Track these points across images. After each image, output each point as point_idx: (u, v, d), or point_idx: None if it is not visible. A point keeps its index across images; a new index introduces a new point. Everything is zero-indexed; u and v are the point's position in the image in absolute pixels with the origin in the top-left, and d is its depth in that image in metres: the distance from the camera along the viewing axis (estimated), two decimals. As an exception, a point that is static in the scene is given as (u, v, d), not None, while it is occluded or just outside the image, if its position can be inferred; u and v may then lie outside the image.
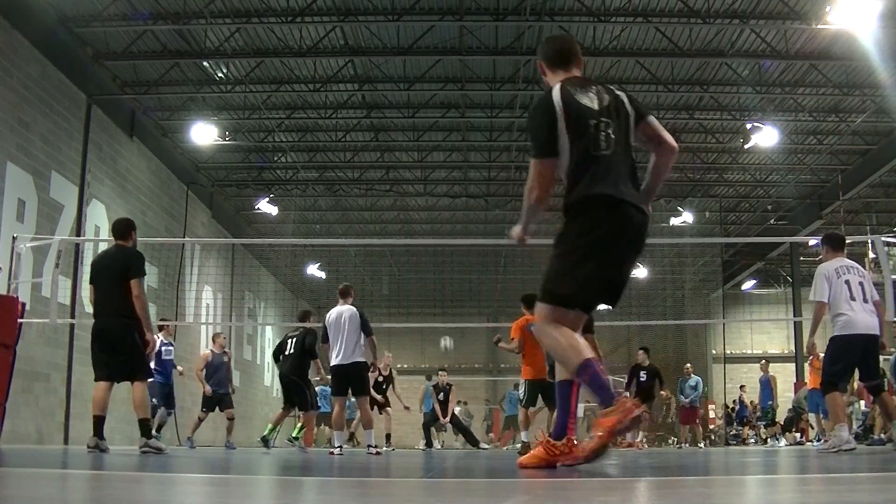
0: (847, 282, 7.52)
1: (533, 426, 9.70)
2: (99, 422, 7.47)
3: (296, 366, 11.80)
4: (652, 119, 4.25)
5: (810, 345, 7.99)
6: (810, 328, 7.79)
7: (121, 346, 7.46)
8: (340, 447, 9.71)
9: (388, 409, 15.77)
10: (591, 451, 3.94)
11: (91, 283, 7.75)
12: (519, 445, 11.18)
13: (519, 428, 11.23)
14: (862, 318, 7.47)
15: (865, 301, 7.53)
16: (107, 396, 7.55)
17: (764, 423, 20.54)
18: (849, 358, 7.66)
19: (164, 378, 13.57)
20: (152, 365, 13.20)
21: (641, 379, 15.88)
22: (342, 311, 9.86)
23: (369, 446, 9.95)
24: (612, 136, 3.99)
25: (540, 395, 9.74)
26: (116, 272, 7.49)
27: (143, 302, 7.45)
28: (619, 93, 4.17)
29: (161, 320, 14.56)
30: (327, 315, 10.12)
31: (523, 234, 4.50)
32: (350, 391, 10.02)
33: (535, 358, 9.65)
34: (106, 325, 7.47)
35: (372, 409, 13.02)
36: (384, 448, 14.33)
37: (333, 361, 9.77)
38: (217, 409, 14.34)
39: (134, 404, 7.58)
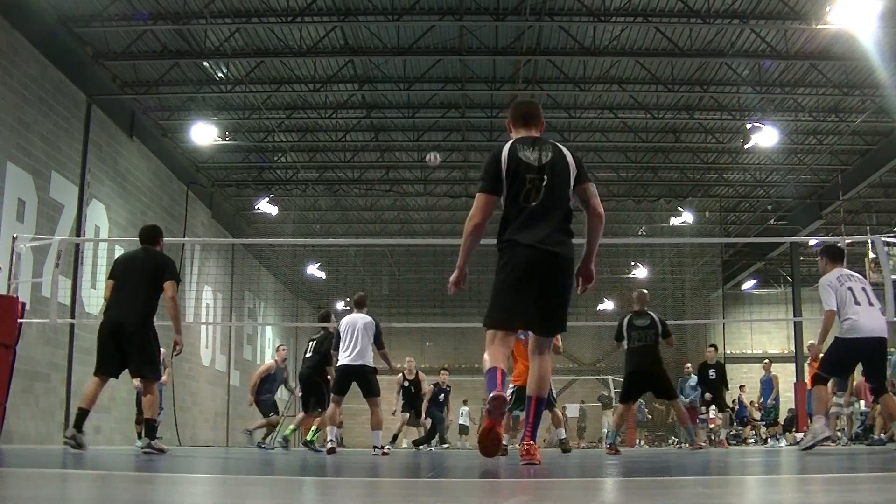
0: (850, 288, 7.71)
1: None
2: (83, 415, 7.42)
3: (314, 367, 11.83)
4: (589, 186, 4.90)
5: (816, 351, 8.21)
6: (820, 336, 8.00)
7: (137, 342, 7.47)
8: (332, 440, 9.75)
9: (424, 423, 15.73)
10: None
11: (113, 278, 7.75)
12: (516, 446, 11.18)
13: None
14: (867, 322, 7.61)
15: (871, 304, 7.71)
16: (97, 392, 7.52)
17: (765, 422, 20.53)
18: (845, 360, 7.93)
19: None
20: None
21: (711, 377, 15.58)
22: (356, 319, 9.84)
23: (374, 447, 9.89)
24: (544, 190, 4.72)
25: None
26: (149, 273, 7.57)
27: (177, 304, 7.57)
28: (566, 153, 4.85)
29: None
30: (340, 322, 10.12)
31: (459, 275, 5.30)
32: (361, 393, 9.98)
33: (523, 363, 9.71)
34: (126, 319, 7.47)
35: (410, 420, 12.82)
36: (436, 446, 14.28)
37: (342, 361, 9.73)
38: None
39: (143, 404, 7.57)
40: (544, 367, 4.89)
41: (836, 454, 8.25)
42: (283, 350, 15.21)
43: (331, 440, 9.72)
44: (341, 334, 9.83)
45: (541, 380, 4.87)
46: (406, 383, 15.56)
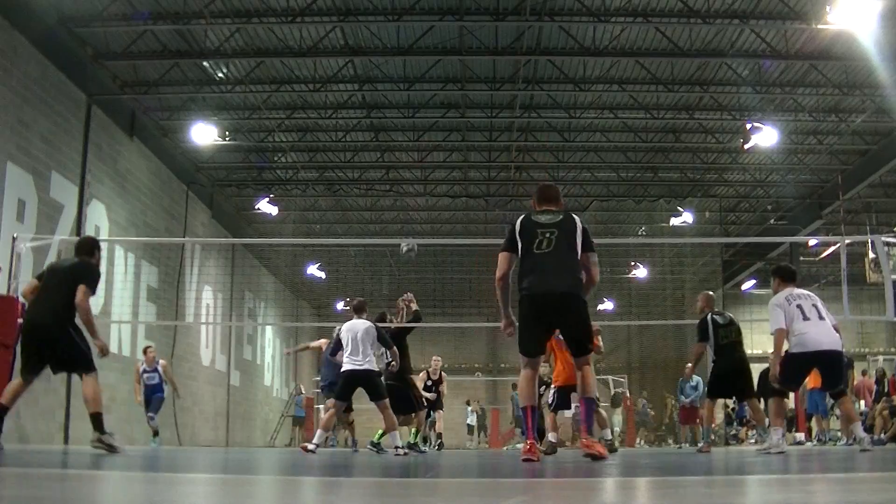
0: (799, 306, 7.90)
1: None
2: (2, 411, 7.36)
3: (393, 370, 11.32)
4: (591, 255, 6.00)
5: (773, 371, 8.13)
6: (773, 354, 8.06)
7: (61, 341, 7.31)
8: (317, 445, 9.68)
9: (441, 410, 15.58)
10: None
11: (39, 280, 7.66)
12: (520, 445, 11.29)
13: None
14: (814, 337, 7.80)
15: (821, 318, 7.90)
16: (20, 392, 7.52)
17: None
18: (796, 372, 8.15)
19: (148, 395, 14.06)
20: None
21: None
22: (357, 325, 9.80)
23: (396, 447, 9.86)
24: (554, 241, 5.82)
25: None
26: (69, 278, 7.37)
27: (86, 308, 7.27)
28: (576, 220, 6.00)
29: (147, 348, 14.52)
30: (341, 328, 10.11)
31: (507, 321, 6.30)
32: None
33: (566, 364, 9.86)
34: (43, 321, 7.34)
35: (426, 409, 12.59)
36: (433, 447, 14.24)
37: (346, 367, 9.69)
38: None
39: (85, 399, 7.44)
40: (586, 375, 5.95)
41: (836, 454, 8.26)
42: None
43: (316, 444, 9.65)
44: (342, 341, 9.83)
45: (586, 385, 5.96)
46: (429, 382, 15.51)
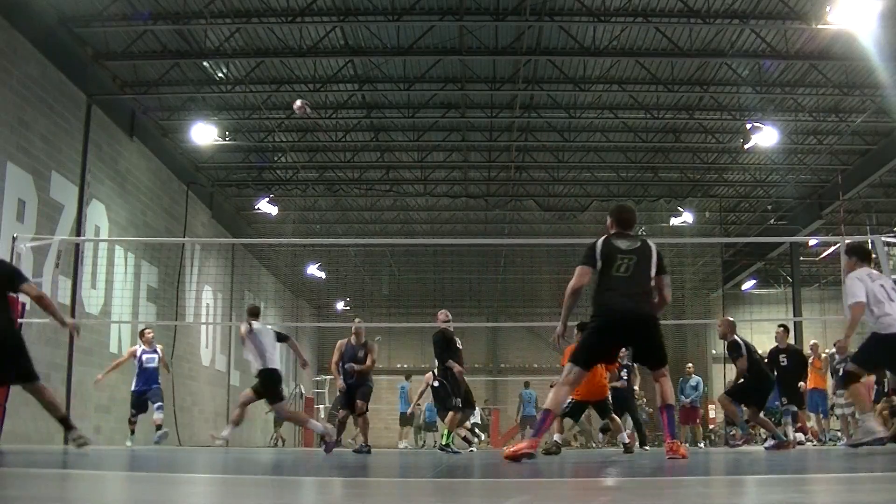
0: (882, 286, 7.70)
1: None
2: None
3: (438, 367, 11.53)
4: (664, 277, 6.49)
5: (844, 345, 7.98)
6: (848, 329, 7.79)
7: (10, 349, 7.18)
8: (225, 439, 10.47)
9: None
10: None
11: None
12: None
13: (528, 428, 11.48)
14: None
15: (892, 301, 7.70)
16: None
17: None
18: (879, 355, 7.79)
19: (143, 384, 13.19)
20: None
21: (783, 364, 12.74)
22: (261, 328, 10.75)
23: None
24: (633, 266, 6.26)
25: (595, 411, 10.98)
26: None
27: (45, 296, 7.24)
28: (652, 246, 6.45)
29: (145, 329, 13.95)
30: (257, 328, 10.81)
31: (563, 329, 6.60)
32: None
33: (587, 381, 9.92)
34: None
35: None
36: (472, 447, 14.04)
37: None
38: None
39: (48, 407, 7.39)
40: (664, 385, 6.48)
41: (836, 454, 8.25)
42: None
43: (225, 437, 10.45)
44: (265, 343, 10.70)
45: (665, 394, 6.47)
46: (436, 383, 15.44)
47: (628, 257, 6.30)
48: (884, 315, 7.60)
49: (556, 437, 10.52)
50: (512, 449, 6.12)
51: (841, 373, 14.70)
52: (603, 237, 6.51)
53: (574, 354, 6.44)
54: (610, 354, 6.72)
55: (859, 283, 7.65)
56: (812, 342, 16.46)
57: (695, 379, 18.30)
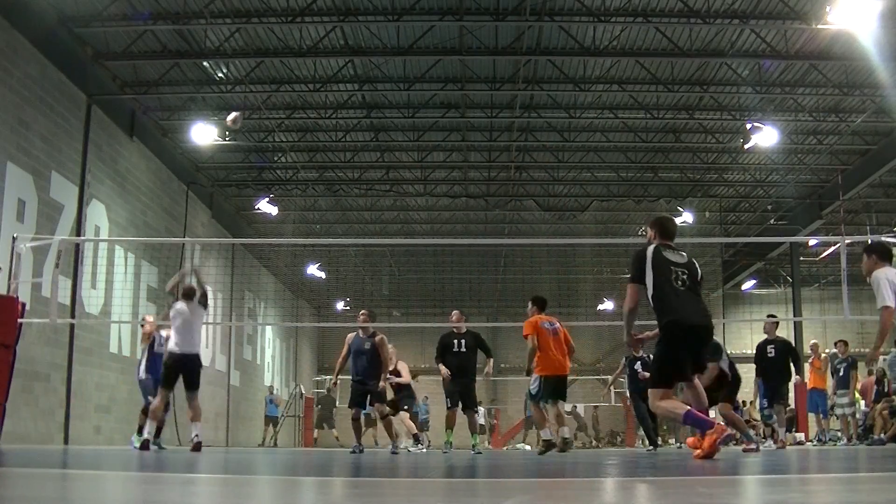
0: None
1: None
2: None
3: (474, 364, 11.50)
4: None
5: (873, 356, 7.55)
6: (879, 337, 7.43)
7: None
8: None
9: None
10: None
11: None
12: (521, 444, 11.29)
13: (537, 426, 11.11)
14: None
15: None
16: None
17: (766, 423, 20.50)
18: None
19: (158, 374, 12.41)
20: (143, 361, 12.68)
21: (770, 355, 12.20)
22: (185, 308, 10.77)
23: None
24: (689, 280, 6.33)
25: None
26: None
27: None
28: (696, 264, 6.57)
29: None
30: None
31: (631, 338, 7.18)
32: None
33: (548, 353, 9.76)
34: None
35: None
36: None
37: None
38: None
39: None
40: (700, 389, 6.62)
41: (836, 454, 8.25)
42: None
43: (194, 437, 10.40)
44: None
45: (700, 397, 6.61)
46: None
47: (682, 270, 6.32)
48: None
49: (566, 430, 10.27)
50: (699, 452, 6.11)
51: (842, 373, 14.75)
52: (652, 247, 6.43)
53: (655, 378, 6.41)
54: (689, 369, 6.59)
55: (888, 285, 7.22)
56: (812, 342, 16.46)
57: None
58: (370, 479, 4.37)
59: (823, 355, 15.86)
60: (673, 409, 6.24)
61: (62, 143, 14.05)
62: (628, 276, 6.48)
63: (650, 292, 6.31)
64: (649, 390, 6.47)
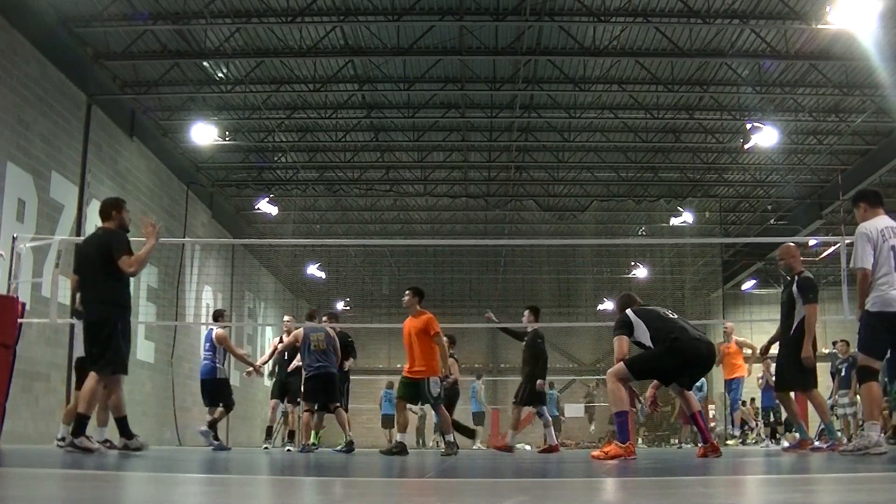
0: (893, 247, 6.06)
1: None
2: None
3: None
4: None
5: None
6: (858, 301, 6.22)
7: (98, 335, 7.04)
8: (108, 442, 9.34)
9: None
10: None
11: (76, 272, 7.42)
12: (521, 444, 11.31)
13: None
14: None
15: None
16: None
17: (766, 423, 20.50)
18: (877, 338, 6.18)
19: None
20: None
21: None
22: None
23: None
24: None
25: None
26: (98, 257, 7.03)
27: (137, 267, 6.96)
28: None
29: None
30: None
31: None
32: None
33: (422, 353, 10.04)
34: (88, 313, 7.13)
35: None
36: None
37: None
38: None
39: (112, 404, 7.32)
40: (691, 397, 7.17)
41: (835, 454, 8.24)
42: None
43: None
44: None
45: (689, 403, 7.12)
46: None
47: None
48: (878, 285, 6.09)
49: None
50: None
51: (844, 373, 14.72)
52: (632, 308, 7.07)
53: (638, 366, 6.60)
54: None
55: (866, 243, 6.08)
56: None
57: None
58: (369, 480, 4.37)
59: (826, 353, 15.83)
60: (619, 396, 6.43)
61: (62, 143, 14.04)
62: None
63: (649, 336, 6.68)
64: (618, 364, 6.48)
